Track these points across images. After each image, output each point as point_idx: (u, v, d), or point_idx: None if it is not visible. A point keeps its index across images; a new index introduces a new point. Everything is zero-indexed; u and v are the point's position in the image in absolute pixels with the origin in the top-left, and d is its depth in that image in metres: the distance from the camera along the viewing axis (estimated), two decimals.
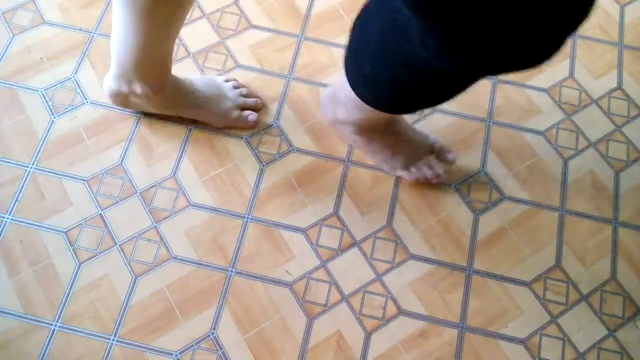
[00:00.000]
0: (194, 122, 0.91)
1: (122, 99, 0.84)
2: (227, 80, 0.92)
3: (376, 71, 0.62)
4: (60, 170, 0.87)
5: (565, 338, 0.81)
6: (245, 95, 0.91)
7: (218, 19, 1.01)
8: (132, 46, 0.73)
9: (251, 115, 0.90)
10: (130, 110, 0.89)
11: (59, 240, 0.83)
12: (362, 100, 0.70)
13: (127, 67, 0.77)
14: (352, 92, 0.70)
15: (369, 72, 0.63)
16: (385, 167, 0.88)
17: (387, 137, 0.84)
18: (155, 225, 0.84)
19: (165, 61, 0.79)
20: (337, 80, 0.78)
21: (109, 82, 0.82)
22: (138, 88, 0.80)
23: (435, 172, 0.86)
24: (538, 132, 0.94)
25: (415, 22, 0.48)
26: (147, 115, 0.91)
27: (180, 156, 0.89)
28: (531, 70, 0.57)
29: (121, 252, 0.82)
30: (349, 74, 0.68)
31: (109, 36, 0.98)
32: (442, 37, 0.46)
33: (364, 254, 0.84)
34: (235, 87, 0.91)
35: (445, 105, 0.95)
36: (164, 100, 0.84)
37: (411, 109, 0.77)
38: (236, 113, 0.89)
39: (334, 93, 0.81)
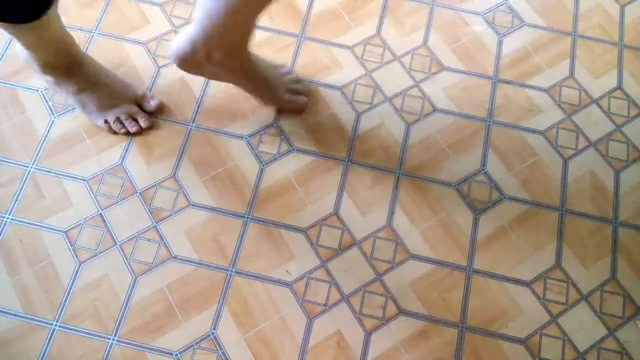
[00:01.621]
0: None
1: (193, 64, 0.81)
2: (280, 68, 0.94)
3: None
4: (60, 170, 0.87)
5: (565, 338, 0.81)
6: (294, 81, 0.94)
7: None
8: (220, 13, 0.72)
9: (302, 98, 0.93)
10: (192, 73, 0.85)
11: (59, 240, 0.83)
12: None
13: (210, 34, 0.75)
14: None
15: None
16: (83, 112, 0.89)
17: (77, 78, 0.85)
18: (155, 225, 0.84)
19: (249, 32, 0.79)
20: None
21: (184, 44, 0.79)
22: (216, 55, 0.78)
23: (135, 123, 0.88)
24: (538, 132, 0.94)
25: None
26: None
27: (180, 156, 0.89)
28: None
29: (121, 252, 0.82)
30: None
31: (109, 36, 0.98)
32: None
33: (364, 254, 0.84)
34: (287, 74, 0.94)
35: (445, 105, 0.95)
36: (233, 68, 0.83)
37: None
38: (287, 95, 0.92)
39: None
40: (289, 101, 0.92)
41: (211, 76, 0.85)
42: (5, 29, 0.73)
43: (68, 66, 0.85)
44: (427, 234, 0.86)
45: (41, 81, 0.92)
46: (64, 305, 0.79)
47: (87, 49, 0.96)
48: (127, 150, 0.89)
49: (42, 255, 0.82)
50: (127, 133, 0.89)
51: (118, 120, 0.88)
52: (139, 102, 0.90)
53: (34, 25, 0.72)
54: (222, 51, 0.78)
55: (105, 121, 0.88)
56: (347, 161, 0.90)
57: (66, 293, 0.80)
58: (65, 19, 0.98)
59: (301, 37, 1.00)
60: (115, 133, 0.89)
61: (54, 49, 0.82)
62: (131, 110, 0.89)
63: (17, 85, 0.93)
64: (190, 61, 0.80)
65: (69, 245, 0.82)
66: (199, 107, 0.93)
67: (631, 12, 1.06)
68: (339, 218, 0.86)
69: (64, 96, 0.90)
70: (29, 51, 0.81)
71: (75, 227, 0.84)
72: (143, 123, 0.89)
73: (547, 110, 0.96)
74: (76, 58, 0.85)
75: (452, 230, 0.86)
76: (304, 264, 0.83)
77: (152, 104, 0.90)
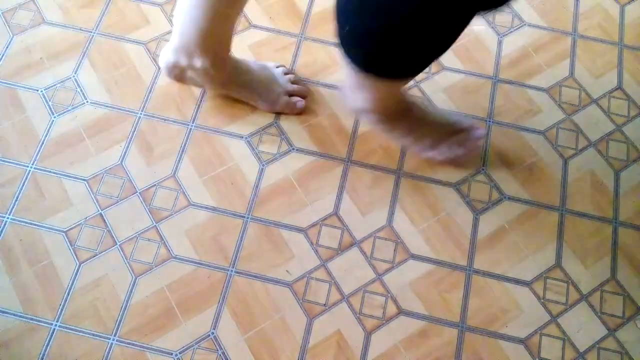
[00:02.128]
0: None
1: (178, 73, 0.84)
2: (277, 67, 0.94)
3: (356, 18, 0.60)
4: (60, 170, 0.87)
5: (565, 338, 0.81)
6: (293, 82, 0.94)
7: None
8: (197, 19, 0.74)
9: (299, 102, 0.92)
10: (187, 84, 0.89)
11: (59, 240, 0.83)
12: (352, 62, 0.67)
13: (189, 40, 0.77)
14: (354, 71, 0.69)
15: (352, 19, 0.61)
16: (415, 150, 0.89)
17: (409, 121, 0.85)
18: (155, 225, 0.84)
19: (228, 37, 0.80)
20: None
21: (167, 55, 0.82)
22: (198, 62, 0.80)
23: (465, 149, 0.87)
24: (538, 132, 0.94)
25: None
26: (147, 115, 0.91)
27: (180, 156, 0.89)
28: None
29: (121, 252, 0.82)
30: (336, 32, 0.65)
31: (109, 36, 0.98)
32: None
33: (364, 254, 0.84)
34: (285, 74, 0.93)
35: (445, 105, 0.95)
36: (220, 78, 0.85)
37: (403, 63, 0.67)
38: (285, 98, 0.91)
39: (349, 82, 0.81)
40: (287, 105, 0.91)
41: (203, 84, 0.87)
42: (374, 83, 0.73)
43: (402, 112, 0.84)
44: (427, 234, 0.86)
45: (44, 79, 0.93)
46: (64, 305, 0.79)
47: (87, 50, 0.96)
48: (127, 150, 0.89)
49: (42, 255, 0.82)
50: (459, 159, 0.89)
51: (451, 150, 0.87)
52: (463, 131, 0.89)
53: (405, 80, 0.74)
54: (202, 55, 0.79)
55: (439, 152, 0.88)
56: (347, 161, 0.90)
57: (66, 293, 0.80)
58: (65, 19, 0.99)
59: (301, 37, 1.00)
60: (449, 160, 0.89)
61: (397, 98, 0.83)
62: (460, 140, 0.88)
63: (17, 85, 0.93)
64: (175, 69, 0.83)
65: (69, 245, 0.82)
66: (199, 107, 0.93)
67: (631, 12, 1.06)
68: (339, 218, 0.86)
69: (399, 140, 0.89)
70: (375, 104, 0.79)
71: (75, 227, 0.84)
72: (472, 151, 0.89)
73: (547, 110, 0.96)
74: (409, 104, 0.85)
75: (452, 230, 0.86)
76: (304, 263, 0.83)
77: (478, 133, 0.88)
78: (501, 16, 1.04)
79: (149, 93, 0.93)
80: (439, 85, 0.97)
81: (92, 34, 0.98)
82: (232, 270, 0.82)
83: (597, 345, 0.80)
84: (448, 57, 0.99)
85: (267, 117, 0.92)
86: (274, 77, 0.92)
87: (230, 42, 0.82)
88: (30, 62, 0.95)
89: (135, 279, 0.81)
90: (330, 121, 0.93)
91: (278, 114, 0.93)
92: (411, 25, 0.57)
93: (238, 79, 0.88)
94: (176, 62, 0.82)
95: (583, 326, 0.82)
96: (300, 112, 0.93)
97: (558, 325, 0.81)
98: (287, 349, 0.78)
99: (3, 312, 0.78)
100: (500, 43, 1.01)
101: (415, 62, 0.66)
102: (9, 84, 0.93)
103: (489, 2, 0.56)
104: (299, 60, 0.97)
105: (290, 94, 0.92)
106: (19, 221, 0.84)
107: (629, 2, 1.07)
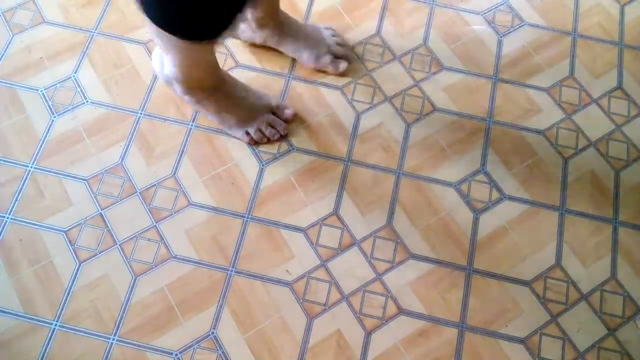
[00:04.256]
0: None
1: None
2: (326, 28, 0.96)
3: None
4: (60, 169, 0.87)
5: (565, 337, 0.81)
6: (339, 44, 0.96)
7: None
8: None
9: (342, 64, 0.95)
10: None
11: (59, 239, 0.83)
12: (152, 20, 0.65)
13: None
14: (157, 33, 0.68)
15: None
16: (223, 127, 0.89)
17: (218, 96, 0.85)
18: (155, 225, 0.84)
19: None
20: None
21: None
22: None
23: (275, 132, 0.89)
24: (538, 132, 0.94)
25: None
26: (147, 114, 0.91)
27: (180, 156, 0.89)
28: None
29: (121, 252, 0.82)
30: None
31: (109, 35, 0.98)
32: None
33: (364, 254, 0.84)
34: (333, 36, 0.96)
35: (445, 105, 0.95)
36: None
37: (200, 19, 0.63)
38: (329, 57, 0.94)
39: (158, 46, 0.82)
40: (330, 63, 0.94)
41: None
42: (175, 45, 0.72)
43: (212, 87, 0.85)
44: (427, 234, 0.86)
45: (44, 79, 0.93)
46: (63, 305, 0.79)
47: (87, 49, 0.96)
48: (127, 150, 0.89)
49: (42, 255, 0.82)
50: (269, 141, 0.90)
51: (259, 130, 0.88)
52: (274, 112, 0.90)
53: (206, 44, 0.71)
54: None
55: (247, 133, 0.89)
56: (347, 161, 0.90)
57: (66, 293, 0.80)
58: (65, 19, 0.99)
59: None
60: (256, 143, 0.89)
61: (205, 70, 0.82)
62: (269, 119, 0.89)
63: (17, 85, 0.93)
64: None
65: (69, 244, 0.83)
66: None
67: (631, 11, 1.06)
68: (339, 218, 0.86)
69: (202, 114, 0.90)
70: (181, 70, 0.79)
71: (75, 226, 0.84)
72: (282, 131, 0.89)
73: (547, 110, 0.96)
74: (219, 79, 0.86)
75: (452, 230, 0.86)
76: (304, 263, 0.83)
77: (287, 113, 0.90)
78: (501, 16, 1.04)
79: (149, 93, 0.93)
80: (439, 84, 0.97)
81: (92, 33, 0.98)
82: (232, 270, 0.82)
83: (597, 345, 0.80)
84: (448, 57, 0.99)
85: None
86: (321, 35, 0.95)
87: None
88: (30, 61, 0.95)
89: (135, 278, 0.81)
90: (330, 121, 0.93)
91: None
92: None
93: (289, 31, 0.92)
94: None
95: (583, 326, 0.82)
96: (342, 74, 0.95)
97: (558, 325, 0.81)
98: (287, 348, 0.78)
99: (3, 312, 0.78)
100: (500, 43, 1.01)
101: (212, 18, 0.63)
102: (9, 83, 0.93)
103: None
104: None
105: (335, 55, 0.94)
106: (19, 221, 0.84)
107: (629, 2, 1.07)
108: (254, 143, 0.89)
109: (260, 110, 0.89)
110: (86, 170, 0.87)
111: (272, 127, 0.89)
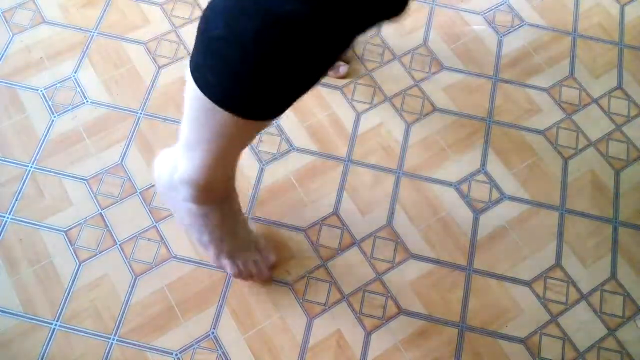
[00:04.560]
0: None
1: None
2: None
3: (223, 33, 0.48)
4: (60, 169, 0.87)
5: (565, 337, 0.81)
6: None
7: None
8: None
9: (343, 67, 0.95)
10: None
11: (59, 239, 0.83)
12: (204, 93, 0.52)
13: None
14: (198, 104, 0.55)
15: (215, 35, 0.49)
16: (212, 250, 0.76)
17: (224, 211, 0.73)
18: (155, 225, 0.84)
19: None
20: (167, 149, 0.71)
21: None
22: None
23: (261, 271, 0.79)
24: (538, 132, 0.94)
25: None
26: (147, 114, 0.91)
27: None
28: (394, 21, 0.48)
29: (121, 252, 0.82)
30: (191, 59, 0.54)
31: (109, 35, 0.98)
32: None
33: (364, 254, 0.84)
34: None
35: (445, 105, 0.95)
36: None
37: (265, 93, 0.52)
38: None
39: (168, 153, 0.71)
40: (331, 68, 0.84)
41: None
42: (221, 132, 0.57)
43: (224, 195, 0.72)
44: (427, 234, 0.86)
45: (44, 79, 0.93)
46: (63, 305, 0.79)
47: (87, 49, 0.96)
48: (127, 150, 0.89)
49: (42, 254, 0.82)
50: (252, 278, 0.80)
51: (246, 264, 0.77)
52: (259, 250, 0.80)
53: (259, 124, 0.58)
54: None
55: (235, 264, 0.77)
56: (347, 161, 0.90)
57: (66, 293, 0.80)
58: (65, 19, 0.99)
59: None
60: (240, 277, 0.79)
61: (232, 169, 0.69)
62: (256, 257, 0.78)
63: (17, 85, 0.93)
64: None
65: (69, 244, 0.82)
66: None
67: (631, 11, 1.06)
68: (339, 218, 0.86)
69: (199, 234, 0.75)
70: (206, 169, 0.64)
71: (75, 226, 0.84)
72: (266, 275, 0.79)
73: (547, 110, 0.96)
74: (231, 187, 0.74)
75: (452, 230, 0.86)
76: (304, 263, 0.83)
77: (270, 258, 0.80)
78: (501, 16, 1.04)
79: (149, 93, 0.93)
80: (439, 85, 0.97)
81: (92, 33, 0.98)
82: None
83: (597, 345, 0.80)
84: (448, 57, 0.99)
85: None
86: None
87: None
88: (30, 61, 0.95)
89: (135, 278, 0.81)
90: (330, 121, 0.93)
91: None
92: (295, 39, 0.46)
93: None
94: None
95: (583, 326, 0.82)
96: (343, 77, 0.96)
97: (558, 325, 0.81)
98: (287, 348, 0.78)
99: (3, 312, 0.78)
100: (500, 43, 1.01)
101: (287, 90, 0.53)
102: (9, 83, 0.93)
103: (386, 10, 0.47)
104: None
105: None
106: (19, 221, 0.84)
107: (629, 2, 1.07)
108: (238, 276, 0.78)
109: (250, 243, 0.79)
110: (86, 170, 0.87)
111: (257, 266, 0.79)
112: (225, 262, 0.77)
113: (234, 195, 0.75)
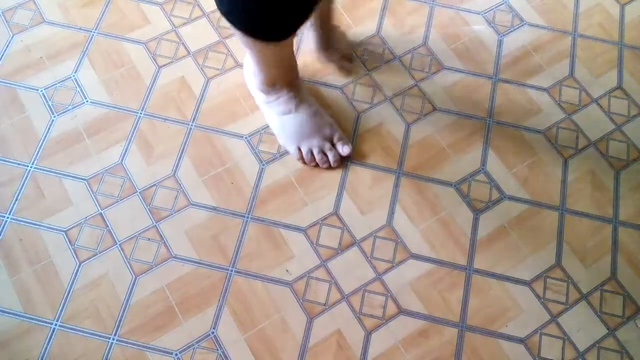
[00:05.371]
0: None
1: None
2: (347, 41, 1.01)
3: None
4: (60, 169, 0.87)
5: (565, 337, 0.81)
6: (348, 55, 0.99)
7: (218, 18, 1.01)
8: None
9: (347, 63, 0.97)
10: None
11: (59, 239, 0.83)
12: (226, 18, 0.69)
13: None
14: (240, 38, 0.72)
15: None
16: (280, 135, 0.89)
17: (291, 97, 0.87)
18: (155, 225, 0.84)
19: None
20: None
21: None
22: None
23: (327, 159, 0.88)
24: (538, 131, 0.94)
25: None
26: (147, 114, 0.91)
27: (180, 155, 0.89)
28: None
29: (121, 252, 0.82)
30: (221, 12, 0.69)
31: (109, 35, 0.98)
32: None
33: (364, 253, 0.84)
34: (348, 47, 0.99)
35: (445, 105, 0.95)
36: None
37: (270, 17, 0.67)
38: (337, 54, 0.96)
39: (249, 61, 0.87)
40: (338, 60, 0.96)
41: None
42: (252, 46, 0.75)
43: (289, 85, 0.86)
44: (427, 234, 0.86)
45: (44, 79, 0.93)
46: (64, 305, 0.79)
47: (87, 49, 0.96)
48: (127, 150, 0.89)
49: (42, 254, 0.82)
50: (316, 166, 0.89)
51: (311, 152, 0.88)
52: (333, 142, 0.89)
53: (283, 42, 0.73)
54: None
55: (299, 149, 0.88)
56: (347, 161, 0.90)
57: (66, 292, 0.80)
58: (65, 19, 0.99)
59: (301, 36, 0.99)
60: (304, 163, 0.89)
61: (282, 67, 0.83)
62: (325, 146, 0.88)
63: (17, 85, 0.93)
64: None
65: (69, 244, 0.83)
66: (199, 106, 0.93)
67: (631, 11, 1.06)
68: (339, 217, 0.86)
69: (265, 119, 0.91)
70: (263, 68, 0.82)
71: (75, 226, 0.84)
72: (333, 163, 0.88)
73: (547, 110, 0.96)
74: (296, 74, 0.87)
75: (452, 230, 0.86)
76: (304, 263, 0.83)
77: (344, 149, 0.88)
78: (501, 15, 1.04)
79: (149, 93, 0.93)
80: (439, 84, 0.97)
81: (92, 33, 0.98)
82: (232, 270, 0.82)
83: (597, 345, 0.80)
84: (448, 57, 0.99)
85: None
86: (345, 40, 0.98)
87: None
88: (30, 61, 0.95)
89: (135, 278, 0.81)
90: None
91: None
92: None
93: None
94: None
95: (583, 326, 0.82)
96: (344, 72, 0.97)
97: (558, 325, 0.81)
98: (287, 348, 0.78)
99: (3, 311, 0.78)
100: (500, 42, 1.01)
101: (287, 18, 0.67)
102: (9, 83, 0.93)
103: None
104: (298, 61, 0.97)
105: (343, 57, 0.97)
106: (19, 221, 0.84)
107: (629, 2, 1.07)
108: (302, 162, 0.89)
109: (321, 134, 0.88)
110: (86, 170, 0.87)
111: (324, 154, 0.88)
112: (291, 147, 0.88)
113: (302, 85, 0.90)
